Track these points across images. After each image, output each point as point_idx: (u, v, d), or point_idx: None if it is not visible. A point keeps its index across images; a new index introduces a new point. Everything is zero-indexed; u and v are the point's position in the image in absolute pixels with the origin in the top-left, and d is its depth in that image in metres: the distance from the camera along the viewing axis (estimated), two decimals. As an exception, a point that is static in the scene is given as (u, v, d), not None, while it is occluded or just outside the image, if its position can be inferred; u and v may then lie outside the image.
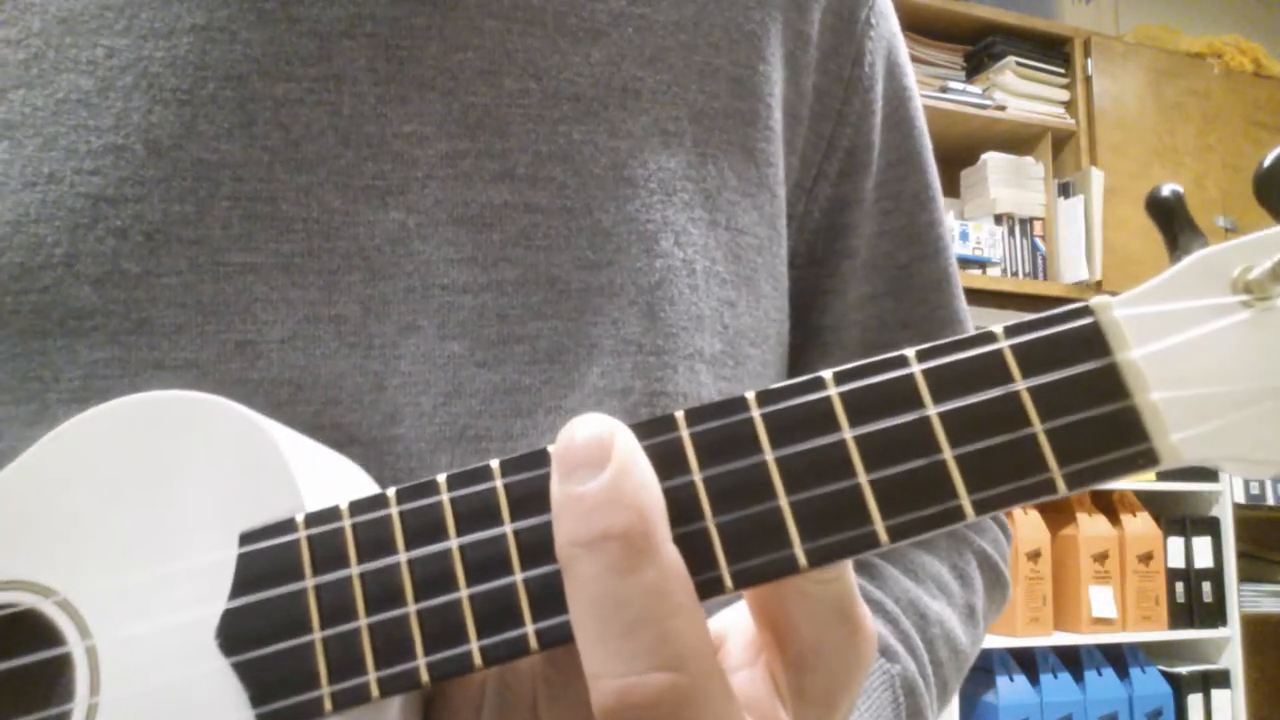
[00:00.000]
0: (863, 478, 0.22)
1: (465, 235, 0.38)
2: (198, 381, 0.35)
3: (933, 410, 0.22)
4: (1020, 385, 0.22)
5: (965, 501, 0.22)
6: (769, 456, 0.23)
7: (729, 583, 0.23)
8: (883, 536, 0.22)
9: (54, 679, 0.25)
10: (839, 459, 0.22)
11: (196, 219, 0.36)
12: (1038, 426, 0.22)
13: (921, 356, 0.23)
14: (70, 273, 0.35)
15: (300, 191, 0.37)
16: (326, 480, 0.27)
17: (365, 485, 0.31)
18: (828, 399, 0.23)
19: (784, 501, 0.22)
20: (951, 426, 0.22)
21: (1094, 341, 0.22)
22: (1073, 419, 0.21)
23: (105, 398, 0.35)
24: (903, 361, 0.23)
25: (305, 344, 0.36)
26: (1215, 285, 0.22)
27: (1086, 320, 0.22)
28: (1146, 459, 0.21)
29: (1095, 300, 0.22)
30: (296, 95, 0.37)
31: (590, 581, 0.22)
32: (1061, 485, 0.21)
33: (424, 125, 0.38)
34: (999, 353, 0.22)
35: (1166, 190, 0.23)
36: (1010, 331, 0.22)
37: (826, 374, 0.23)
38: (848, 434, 0.22)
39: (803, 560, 0.22)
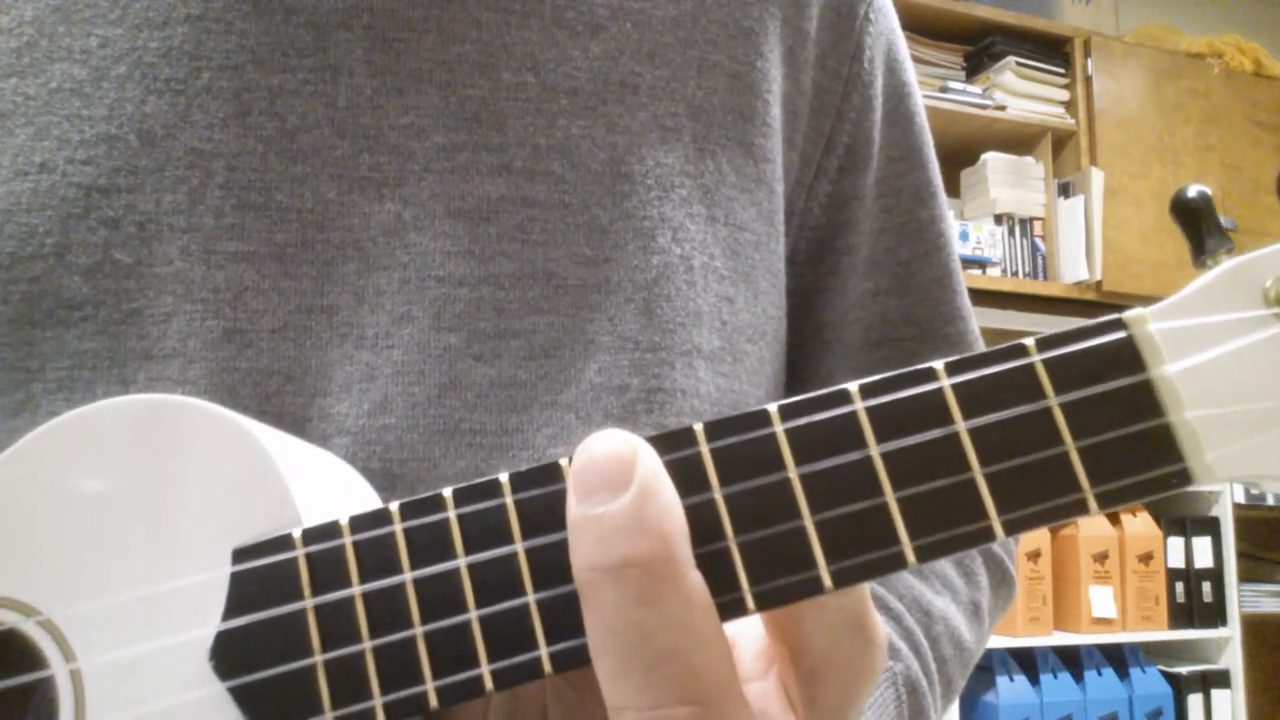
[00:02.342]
0: (890, 496, 0.22)
1: (462, 228, 0.38)
2: (185, 370, 0.35)
3: (963, 426, 0.22)
4: (1052, 401, 0.21)
5: (995, 522, 0.21)
6: (793, 474, 0.22)
7: (751, 604, 0.22)
8: (910, 557, 0.21)
9: (36, 705, 0.24)
10: (866, 477, 0.22)
11: (189, 208, 0.36)
12: (1070, 444, 0.21)
13: (951, 370, 0.22)
14: (61, 263, 0.35)
15: (295, 182, 0.37)
16: (322, 490, 0.27)
17: (361, 491, 0.30)
18: (853, 414, 0.22)
19: (809, 521, 0.22)
20: (981, 443, 0.21)
21: (1128, 357, 0.21)
22: (1106, 437, 0.21)
23: (91, 388, 0.34)
24: (932, 375, 0.22)
25: (296, 334, 0.36)
26: (1247, 297, 0.21)
27: (1120, 334, 0.22)
28: (1180, 479, 0.21)
29: (1129, 314, 0.22)
30: (292, 86, 0.37)
31: (611, 610, 0.21)
32: (1093, 505, 0.21)
33: (420, 118, 0.38)
34: (1031, 367, 0.22)
35: (1193, 192, 0.23)
36: (1042, 345, 0.22)
37: (852, 387, 0.22)
38: (875, 451, 0.22)
39: (828, 581, 0.22)
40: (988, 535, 0.21)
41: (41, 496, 0.25)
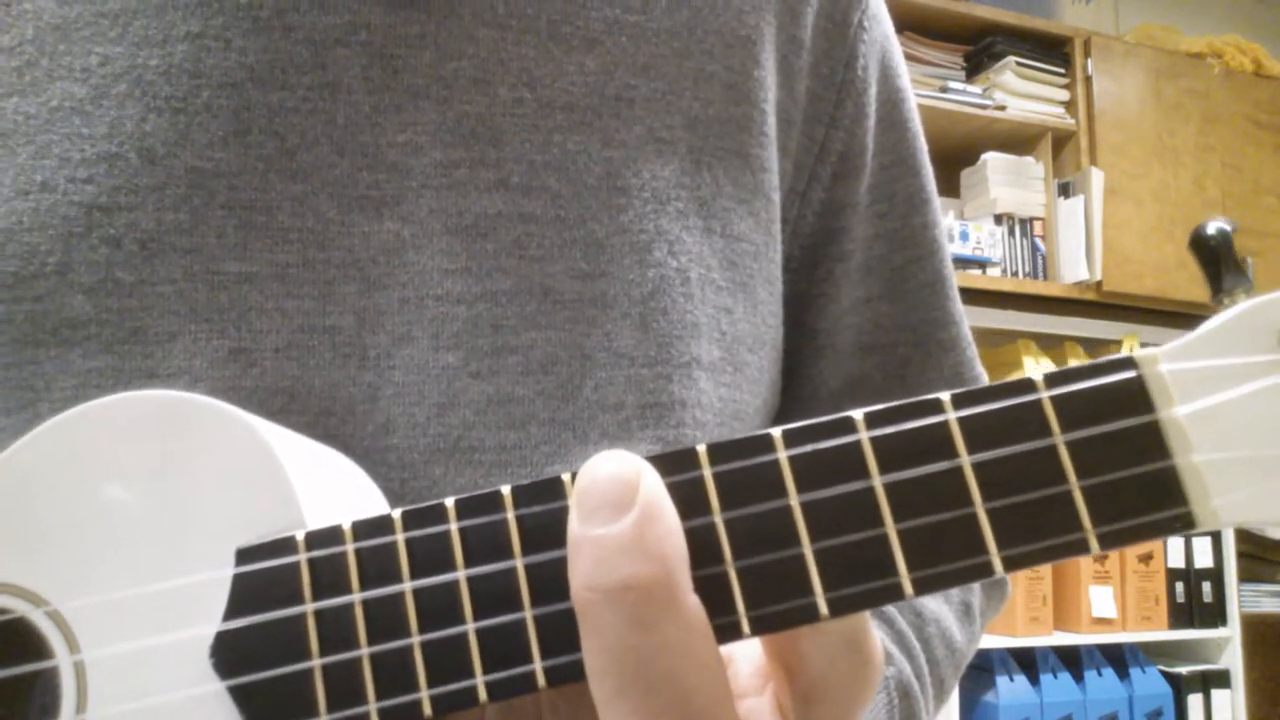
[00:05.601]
0: (891, 527, 0.21)
1: (459, 245, 0.38)
2: (190, 388, 0.35)
3: (967, 460, 0.21)
4: (1058, 439, 0.21)
5: (995, 558, 0.21)
6: (794, 501, 0.22)
7: (746, 629, 0.22)
8: (908, 589, 0.21)
9: (40, 693, 0.24)
10: (867, 507, 0.22)
11: (190, 227, 0.36)
12: (1074, 483, 0.21)
13: (957, 403, 0.22)
14: (64, 282, 0.35)
15: (295, 201, 0.37)
16: (328, 491, 0.27)
17: (368, 493, 0.31)
18: (857, 443, 0.22)
19: (808, 549, 0.22)
20: (985, 478, 0.21)
21: (1137, 397, 0.21)
22: (1110, 477, 0.21)
23: None
24: (938, 407, 0.22)
25: (299, 354, 0.36)
26: (1263, 340, 0.21)
27: (1130, 374, 0.21)
28: (1184, 522, 0.20)
29: (1140, 353, 0.21)
30: (291, 104, 0.37)
31: (609, 632, 0.21)
32: (1094, 545, 0.21)
33: (418, 134, 0.38)
34: (1038, 403, 0.21)
35: (1212, 228, 0.22)
36: (1050, 381, 0.22)
37: (857, 415, 0.22)
38: (877, 481, 0.22)
39: (824, 610, 0.21)
40: (987, 570, 0.21)
41: (52, 488, 0.25)
